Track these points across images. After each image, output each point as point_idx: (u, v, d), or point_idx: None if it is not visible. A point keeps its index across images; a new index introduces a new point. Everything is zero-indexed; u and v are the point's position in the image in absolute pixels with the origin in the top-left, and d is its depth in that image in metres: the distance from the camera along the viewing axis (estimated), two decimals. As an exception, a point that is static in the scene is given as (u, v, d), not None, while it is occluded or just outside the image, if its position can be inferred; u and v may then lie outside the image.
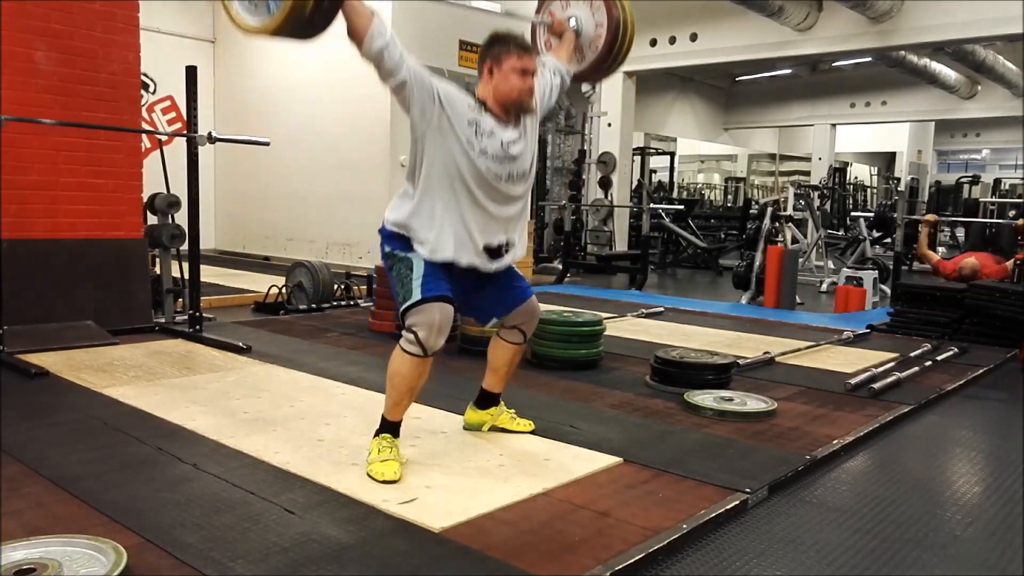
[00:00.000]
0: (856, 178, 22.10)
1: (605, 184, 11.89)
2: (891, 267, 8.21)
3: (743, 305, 7.50)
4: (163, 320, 5.06)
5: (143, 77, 6.95)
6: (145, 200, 5.17)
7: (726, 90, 19.49)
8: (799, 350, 4.83)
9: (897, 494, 2.58)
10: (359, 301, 6.44)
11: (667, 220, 11.77)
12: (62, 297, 4.56)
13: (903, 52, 12.56)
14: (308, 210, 9.83)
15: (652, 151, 15.03)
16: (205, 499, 2.26)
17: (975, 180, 19.71)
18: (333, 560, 1.90)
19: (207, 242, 9.55)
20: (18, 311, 4.18)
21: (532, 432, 2.94)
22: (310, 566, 1.87)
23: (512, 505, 2.27)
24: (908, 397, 3.71)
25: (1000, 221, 9.32)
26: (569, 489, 2.41)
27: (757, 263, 7.71)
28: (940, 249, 9.97)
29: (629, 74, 12.00)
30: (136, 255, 4.98)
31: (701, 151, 21.59)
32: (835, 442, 2.95)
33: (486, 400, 2.96)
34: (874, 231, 11.66)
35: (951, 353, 4.79)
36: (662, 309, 6.52)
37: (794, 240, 8.69)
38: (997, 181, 22.56)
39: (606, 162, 11.89)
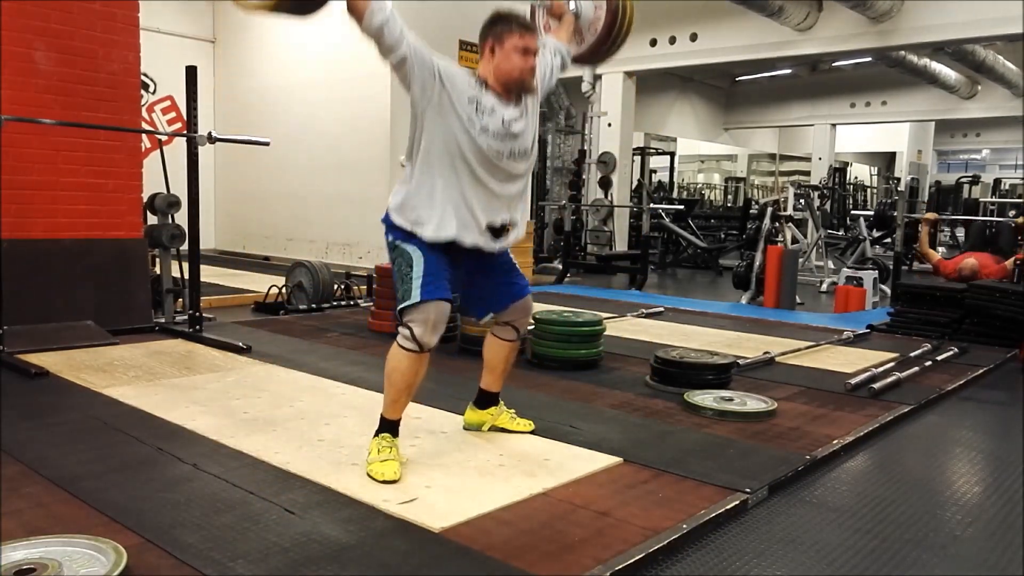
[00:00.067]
0: (856, 178, 22.11)
1: (605, 184, 11.89)
2: (891, 267, 8.22)
3: (743, 305, 7.50)
4: (163, 320, 5.07)
5: (143, 77, 6.96)
6: (145, 200, 5.17)
7: (726, 90, 19.50)
8: (799, 350, 4.83)
9: (897, 494, 2.58)
10: (359, 301, 6.44)
11: (667, 220, 11.77)
12: (62, 297, 4.56)
13: (903, 52, 12.57)
14: (308, 210, 9.83)
15: (652, 151, 15.03)
16: (205, 499, 2.26)
17: (975, 180, 19.72)
18: (333, 560, 1.90)
19: (207, 242, 9.56)
20: (18, 311, 4.18)
21: (532, 432, 2.94)
22: (310, 566, 1.87)
23: (512, 505, 2.27)
24: (908, 397, 3.71)
25: (1000, 220, 9.31)
26: (569, 489, 2.41)
27: (757, 263, 7.71)
28: (940, 249, 9.97)
29: (629, 74, 12.01)
30: (136, 255, 4.99)
31: (701, 151, 21.59)
32: (835, 442, 2.95)
33: (485, 400, 2.96)
34: (874, 231, 11.66)
35: (951, 353, 4.79)
36: (662, 309, 6.52)
37: (794, 240, 8.69)
38: (997, 181, 22.57)
39: (606, 162, 11.89)
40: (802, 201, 10.05)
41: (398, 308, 2.53)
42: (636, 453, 2.75)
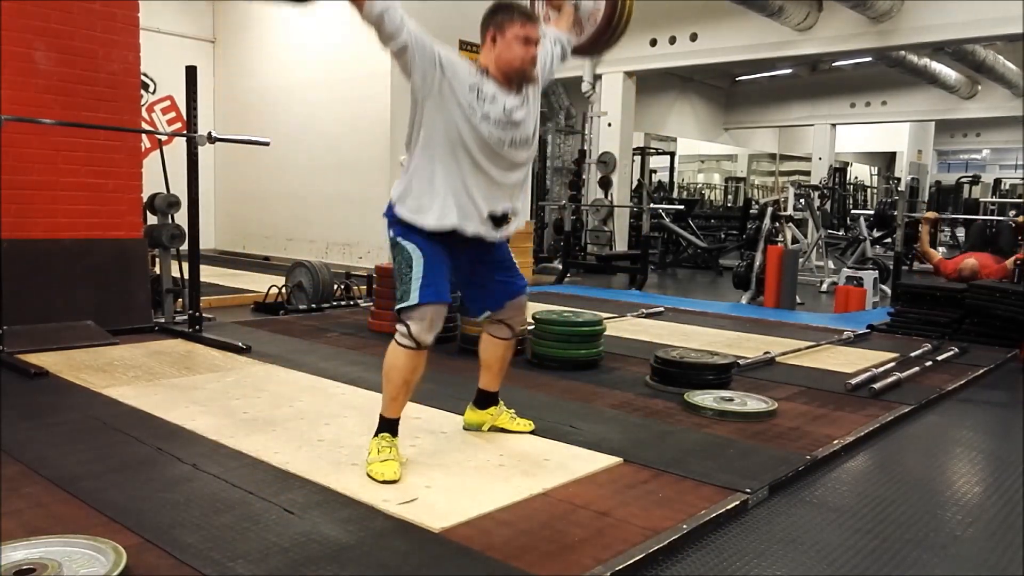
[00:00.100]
0: (856, 178, 22.11)
1: (605, 184, 11.89)
2: (891, 267, 8.22)
3: (743, 305, 7.50)
4: (163, 320, 5.07)
5: (143, 77, 6.96)
6: (145, 200, 5.17)
7: (726, 90, 19.50)
8: (799, 350, 4.83)
9: (897, 494, 2.57)
10: (359, 301, 6.44)
11: (667, 220, 11.77)
12: (62, 297, 4.56)
13: (903, 52, 12.57)
14: (308, 210, 9.83)
15: (652, 151, 15.03)
16: (205, 499, 2.26)
17: (975, 180, 19.73)
18: (333, 560, 1.90)
19: (207, 242, 9.57)
20: (18, 311, 4.18)
21: (532, 432, 2.94)
22: (310, 566, 1.86)
23: (512, 505, 2.27)
24: (908, 397, 3.71)
25: (1000, 218, 9.32)
26: (569, 489, 2.41)
27: (757, 263, 7.70)
28: (940, 249, 9.97)
29: (629, 74, 12.02)
30: (136, 255, 4.98)
31: (701, 151, 21.59)
32: (835, 442, 2.95)
33: (485, 400, 2.96)
34: (874, 231, 11.66)
35: (951, 353, 4.79)
36: (662, 309, 6.52)
37: (794, 240, 8.69)
38: (997, 181, 22.58)
39: (606, 162, 11.90)
40: (802, 201, 10.05)
41: (396, 307, 2.54)
42: (636, 453, 2.75)
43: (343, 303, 6.32)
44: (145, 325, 4.87)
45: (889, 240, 11.86)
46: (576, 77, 12.22)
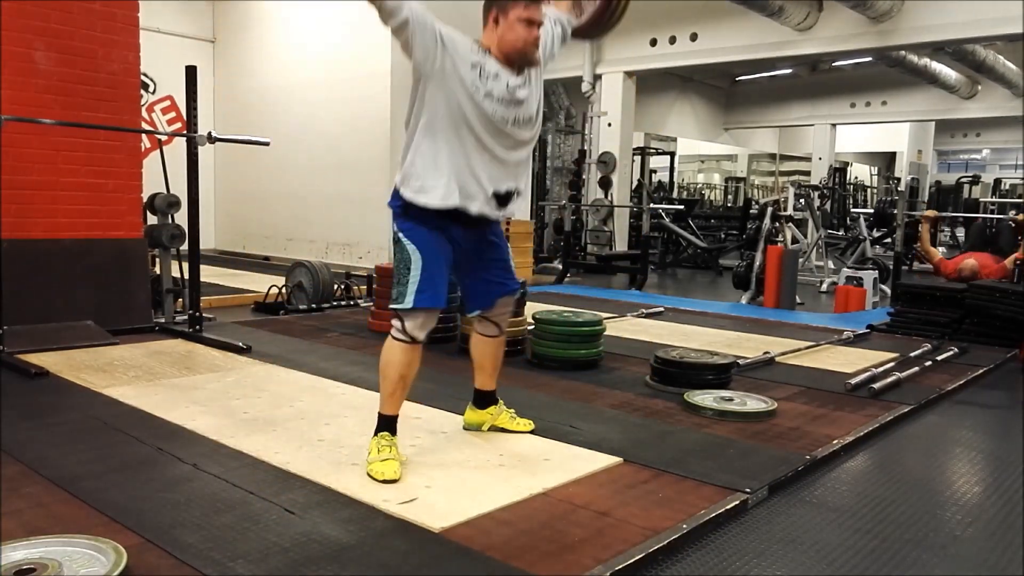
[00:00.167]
0: (856, 178, 22.10)
1: (605, 184, 11.89)
2: (891, 267, 8.22)
3: (743, 305, 7.50)
4: (163, 320, 5.07)
5: (143, 77, 6.96)
6: (145, 200, 5.17)
7: (726, 90, 19.49)
8: (799, 350, 4.83)
9: (897, 494, 2.57)
10: (359, 301, 6.44)
11: (667, 220, 11.77)
12: (62, 297, 4.56)
13: (903, 52, 12.56)
14: (308, 210, 9.83)
15: (652, 151, 15.03)
16: (205, 499, 2.26)
17: (975, 180, 19.73)
18: (333, 560, 1.90)
19: (207, 242, 9.57)
20: (18, 311, 4.18)
21: (532, 432, 2.94)
22: (310, 566, 1.87)
23: (512, 505, 2.27)
24: (908, 397, 3.71)
25: (1000, 216, 9.33)
26: (569, 489, 2.41)
27: (757, 263, 7.71)
28: (940, 249, 9.97)
29: (629, 74, 12.01)
30: (136, 255, 4.99)
31: (701, 151, 21.58)
32: (835, 442, 2.95)
33: (483, 399, 2.96)
34: (874, 230, 11.66)
35: (951, 353, 4.79)
36: (662, 309, 6.52)
37: (794, 240, 8.69)
38: (997, 181, 22.58)
39: (606, 162, 11.89)
40: (802, 201, 10.05)
41: (390, 306, 2.56)
42: (636, 453, 2.75)
43: (343, 303, 6.33)
44: (145, 325, 4.87)
45: (889, 240, 11.86)
46: (576, 77, 12.22)
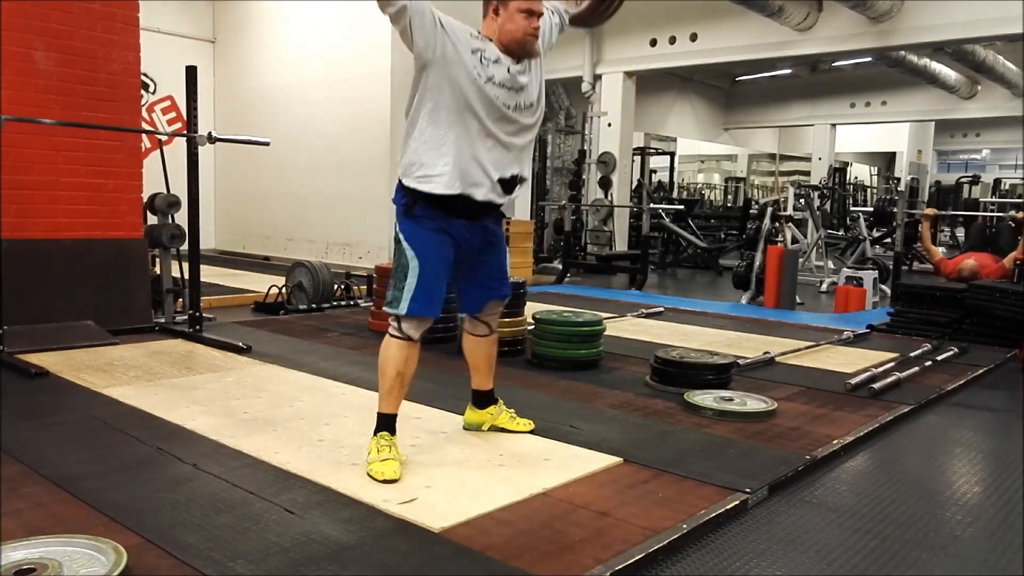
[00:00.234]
0: (856, 178, 22.10)
1: (605, 184, 11.90)
2: (891, 267, 8.22)
3: (743, 305, 7.50)
4: (163, 320, 5.07)
5: (143, 77, 6.96)
6: (145, 200, 5.18)
7: (726, 90, 19.49)
8: (799, 350, 4.83)
9: (897, 494, 2.57)
10: (359, 301, 6.44)
11: (667, 220, 11.77)
12: (62, 297, 4.56)
13: (903, 52, 12.56)
14: (308, 210, 9.83)
15: (652, 151, 15.03)
16: (205, 499, 2.26)
17: (975, 180, 19.73)
18: (333, 560, 1.90)
19: (207, 242, 9.57)
20: (18, 311, 4.18)
21: (532, 432, 2.94)
22: (310, 566, 1.87)
23: (512, 505, 2.27)
24: (908, 397, 3.71)
25: (999, 214, 9.33)
26: (569, 489, 2.41)
27: (757, 263, 7.71)
28: (940, 248, 9.97)
29: (629, 74, 12.02)
30: (136, 255, 4.99)
31: (701, 151, 21.58)
32: (835, 442, 2.95)
33: (482, 399, 2.96)
34: (874, 230, 11.65)
35: (951, 353, 4.79)
36: (662, 309, 6.52)
37: (794, 240, 8.69)
38: (997, 181, 22.59)
39: (606, 162, 11.90)
40: (802, 201, 10.05)
41: (384, 308, 2.59)
42: (636, 453, 2.75)
43: (343, 303, 6.33)
44: (145, 325, 4.87)
45: (889, 240, 11.86)
46: (576, 77, 12.23)
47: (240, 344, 4.38)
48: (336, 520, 2.13)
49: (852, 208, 15.50)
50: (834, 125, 18.01)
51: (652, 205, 10.17)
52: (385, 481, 2.38)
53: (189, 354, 4.28)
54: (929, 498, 2.57)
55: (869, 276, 7.58)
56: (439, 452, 2.74)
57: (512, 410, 2.99)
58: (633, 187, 12.86)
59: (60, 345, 4.22)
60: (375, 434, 2.56)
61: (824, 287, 8.86)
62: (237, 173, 10.75)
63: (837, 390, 3.81)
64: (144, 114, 9.40)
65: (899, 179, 20.62)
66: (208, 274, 6.48)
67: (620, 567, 1.89)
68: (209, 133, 4.54)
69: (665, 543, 2.03)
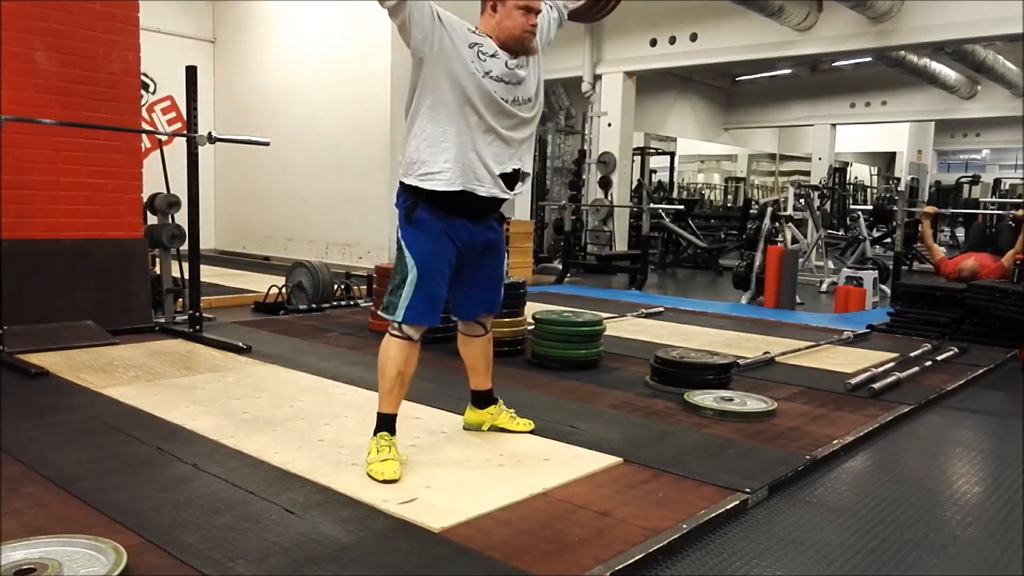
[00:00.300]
0: (856, 178, 22.10)
1: (605, 184, 11.89)
2: (891, 267, 8.22)
3: (743, 305, 7.50)
4: (163, 320, 5.07)
5: (143, 77, 6.96)
6: (145, 200, 5.18)
7: (726, 90, 19.49)
8: (799, 350, 4.83)
9: (897, 494, 2.58)
10: (359, 301, 6.44)
11: (667, 220, 11.77)
12: (62, 297, 4.56)
13: (903, 52, 12.56)
14: (308, 210, 9.83)
15: (652, 151, 15.02)
16: (205, 499, 2.26)
17: (975, 180, 19.73)
18: (333, 560, 1.90)
19: (207, 242, 9.57)
20: (18, 311, 4.18)
21: (532, 432, 2.94)
22: (310, 566, 1.87)
23: (512, 505, 2.27)
24: (908, 397, 3.71)
25: (999, 212, 9.33)
26: (569, 489, 2.41)
27: (757, 263, 7.71)
28: (940, 249, 9.98)
29: (629, 74, 12.01)
30: (136, 255, 4.99)
31: (701, 151, 21.58)
32: (835, 442, 2.95)
33: (481, 399, 2.96)
34: (874, 230, 11.64)
35: (951, 353, 4.79)
36: (662, 309, 6.52)
37: (794, 240, 8.69)
38: (997, 181, 22.59)
39: (606, 162, 11.90)
40: (802, 201, 10.05)
41: (379, 311, 2.60)
42: (636, 453, 2.75)
43: (343, 303, 6.33)
44: (145, 325, 4.87)
45: (889, 240, 11.85)
46: (576, 77, 12.22)
47: (240, 344, 4.38)
48: (336, 520, 2.13)
49: (852, 207, 15.49)
50: (834, 125, 18.01)
51: (652, 205, 10.17)
52: (385, 481, 2.38)
53: (189, 354, 4.28)
54: (929, 498, 2.57)
55: (869, 276, 7.58)
56: (439, 452, 2.74)
57: (512, 410, 2.99)
58: (633, 187, 12.86)
59: (60, 345, 4.22)
60: (375, 434, 2.56)
61: (824, 287, 8.86)
62: (237, 173, 10.75)
63: (837, 390, 3.81)
64: (144, 114, 9.40)
65: (899, 179, 20.61)
66: (208, 274, 6.48)
67: (620, 567, 1.89)
68: (209, 133, 4.54)
69: (665, 543, 2.03)
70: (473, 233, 2.63)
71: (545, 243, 12.03)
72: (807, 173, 19.60)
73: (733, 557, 2.05)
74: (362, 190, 9.01)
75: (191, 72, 4.78)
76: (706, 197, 21.44)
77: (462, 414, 3.02)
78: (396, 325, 2.56)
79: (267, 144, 5.13)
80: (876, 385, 3.78)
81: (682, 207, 12.31)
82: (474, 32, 2.53)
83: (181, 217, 5.08)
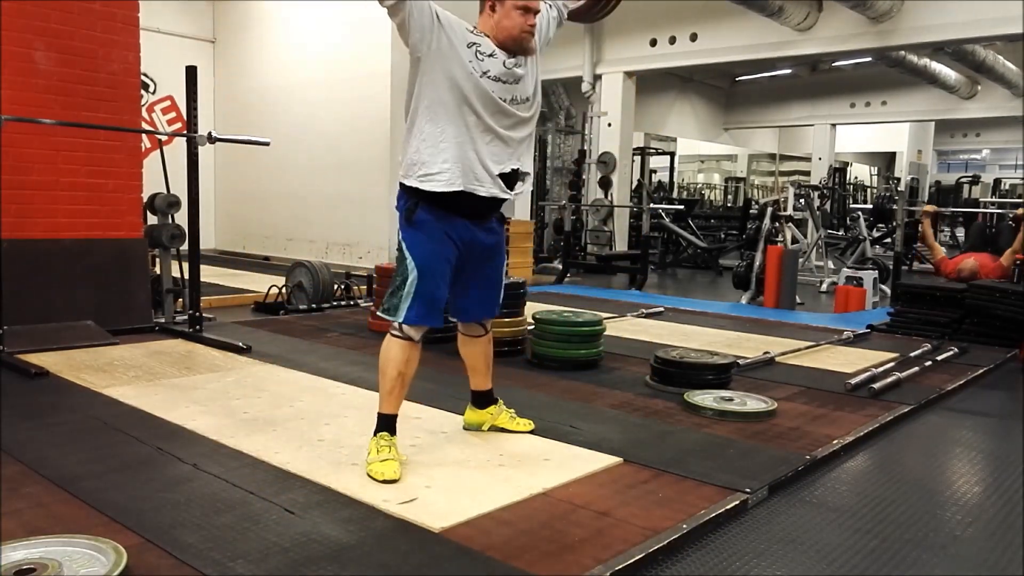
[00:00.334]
0: (856, 178, 22.10)
1: (605, 184, 11.90)
2: (891, 267, 8.22)
3: (743, 305, 7.50)
4: (163, 320, 5.07)
5: (143, 77, 6.96)
6: (145, 200, 5.18)
7: (726, 90, 19.49)
8: (799, 350, 4.83)
9: (897, 494, 2.58)
10: (359, 301, 6.44)
11: (667, 220, 11.77)
12: (62, 297, 4.56)
13: (903, 52, 12.56)
14: (308, 210, 9.83)
15: (652, 151, 15.02)
16: (205, 499, 2.26)
17: (975, 180, 19.73)
18: (333, 560, 1.90)
19: (207, 242, 9.57)
20: (18, 311, 4.18)
21: (532, 432, 2.94)
22: (310, 566, 1.87)
23: (512, 505, 2.27)
24: (908, 397, 3.71)
25: (999, 211, 9.33)
26: (569, 489, 2.41)
27: (757, 263, 7.71)
28: (941, 248, 9.98)
29: (629, 74, 12.02)
30: (136, 255, 4.99)
31: (701, 151, 21.58)
32: (835, 442, 2.95)
33: (481, 399, 2.96)
34: (874, 229, 11.63)
35: (951, 353, 4.79)
36: (662, 309, 6.52)
37: (794, 240, 8.69)
38: (997, 181, 22.59)
39: (606, 162, 11.90)
40: (802, 201, 10.05)
41: (379, 312, 2.60)
42: (636, 453, 2.75)
43: (343, 303, 6.33)
44: (145, 325, 4.87)
45: (889, 240, 11.85)
46: (576, 77, 12.23)
47: (240, 344, 4.38)
48: (336, 520, 2.13)
49: (852, 206, 15.48)
50: (834, 125, 18.01)
51: (652, 205, 10.17)
52: (385, 481, 2.38)
53: (189, 354, 4.28)
54: (929, 498, 2.57)
55: (869, 276, 7.58)
56: (439, 452, 2.74)
57: (512, 410, 2.99)
58: (633, 187, 12.86)
59: (60, 345, 4.22)
60: (375, 434, 2.56)
61: (824, 287, 8.86)
62: (237, 173, 10.75)
63: (837, 390, 3.81)
64: (144, 114, 9.40)
65: (899, 179, 20.62)
66: (208, 274, 6.48)
67: (620, 567, 1.89)
68: (209, 133, 4.54)
69: (665, 543, 2.03)
70: (474, 233, 2.63)
71: (545, 243, 12.03)
72: (807, 173, 19.60)
73: (733, 557, 2.05)
74: (362, 190, 9.01)
75: (191, 72, 4.78)
76: (706, 197, 21.44)
77: (462, 414, 3.02)
78: (397, 326, 2.56)
79: (267, 144, 5.13)
80: (876, 385, 3.78)
81: (682, 207, 12.31)
82: (473, 31, 2.53)
83: (181, 217, 5.08)
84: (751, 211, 11.76)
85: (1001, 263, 6.41)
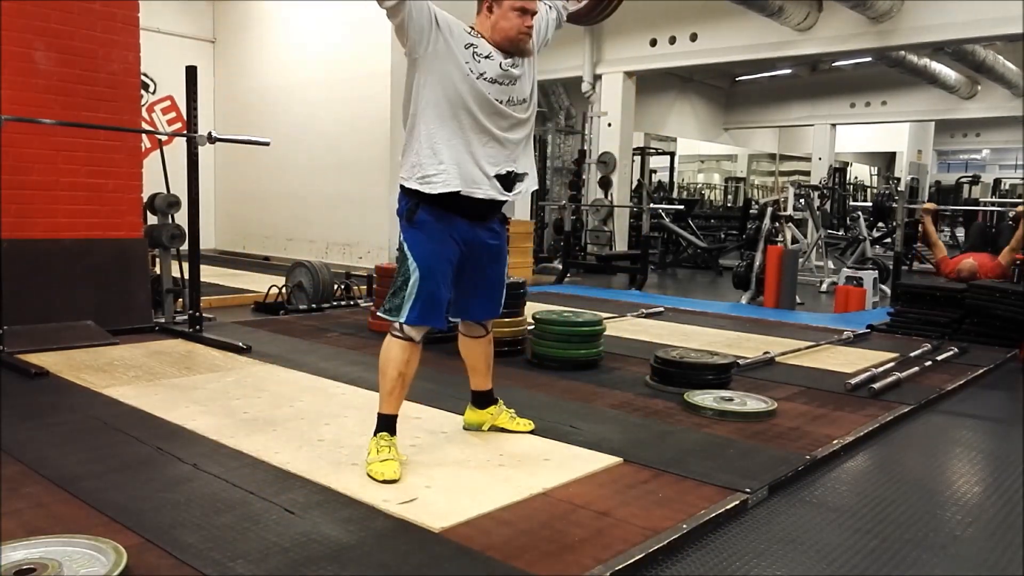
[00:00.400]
0: (856, 178, 22.10)
1: (605, 184, 11.90)
2: (891, 267, 8.22)
3: (743, 305, 7.50)
4: (163, 320, 5.07)
5: (143, 77, 6.96)
6: (145, 200, 5.18)
7: (726, 90, 19.49)
8: (799, 350, 4.83)
9: (897, 494, 2.58)
10: (359, 301, 6.44)
11: (667, 220, 11.77)
12: (62, 297, 4.56)
13: (903, 52, 12.56)
14: (308, 210, 9.83)
15: (652, 151, 15.02)
16: (205, 499, 2.26)
17: (975, 180, 19.73)
18: (333, 560, 1.90)
19: (207, 242, 9.57)
20: (18, 311, 4.18)
21: (532, 432, 2.94)
22: (310, 566, 1.87)
23: (512, 505, 2.27)
24: (908, 397, 3.71)
25: (999, 210, 9.34)
26: (569, 489, 2.41)
27: (757, 263, 7.71)
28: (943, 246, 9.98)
29: (629, 74, 12.02)
30: (136, 255, 4.99)
31: (701, 151, 21.58)
32: (835, 442, 2.95)
33: (482, 399, 2.96)
34: (874, 229, 11.63)
35: (951, 353, 4.79)
36: (662, 309, 6.52)
37: (794, 240, 8.69)
38: (997, 181, 22.58)
39: (606, 162, 11.90)
40: (802, 201, 10.05)
41: (380, 313, 2.60)
42: (636, 453, 2.75)
43: (343, 303, 6.33)
44: (145, 325, 4.87)
45: (889, 240, 11.85)
46: (576, 77, 12.23)
47: (240, 344, 4.38)
48: (336, 520, 2.13)
49: (852, 204, 15.48)
50: (834, 125, 18.01)
51: (652, 205, 10.17)
52: (385, 481, 2.38)
53: (189, 354, 4.28)
54: (929, 498, 2.57)
55: (869, 276, 7.58)
56: (439, 452, 2.74)
57: (512, 410, 2.99)
58: (633, 187, 12.86)
59: (60, 345, 4.22)
60: (375, 434, 2.56)
61: (824, 287, 8.86)
62: (237, 173, 10.75)
63: (837, 390, 3.81)
64: (144, 114, 9.40)
65: (899, 179, 20.62)
66: (208, 274, 6.48)
67: (620, 567, 1.89)
68: (209, 133, 4.54)
69: (665, 543, 2.03)
70: (476, 234, 2.63)
71: (545, 243, 12.03)
72: (807, 173, 19.60)
73: (733, 557, 2.05)
74: (362, 190, 9.01)
75: (191, 72, 4.78)
76: (706, 197, 21.44)
77: (462, 414, 3.02)
78: (398, 326, 2.56)
79: (267, 144, 5.13)
80: (876, 385, 3.78)
81: (682, 207, 12.31)
82: (470, 32, 2.53)
83: (181, 217, 5.08)
84: (751, 211, 11.75)
85: (1000, 262, 6.41)
